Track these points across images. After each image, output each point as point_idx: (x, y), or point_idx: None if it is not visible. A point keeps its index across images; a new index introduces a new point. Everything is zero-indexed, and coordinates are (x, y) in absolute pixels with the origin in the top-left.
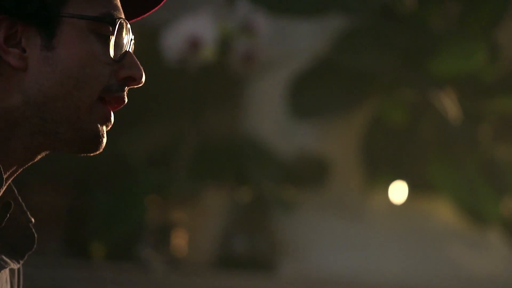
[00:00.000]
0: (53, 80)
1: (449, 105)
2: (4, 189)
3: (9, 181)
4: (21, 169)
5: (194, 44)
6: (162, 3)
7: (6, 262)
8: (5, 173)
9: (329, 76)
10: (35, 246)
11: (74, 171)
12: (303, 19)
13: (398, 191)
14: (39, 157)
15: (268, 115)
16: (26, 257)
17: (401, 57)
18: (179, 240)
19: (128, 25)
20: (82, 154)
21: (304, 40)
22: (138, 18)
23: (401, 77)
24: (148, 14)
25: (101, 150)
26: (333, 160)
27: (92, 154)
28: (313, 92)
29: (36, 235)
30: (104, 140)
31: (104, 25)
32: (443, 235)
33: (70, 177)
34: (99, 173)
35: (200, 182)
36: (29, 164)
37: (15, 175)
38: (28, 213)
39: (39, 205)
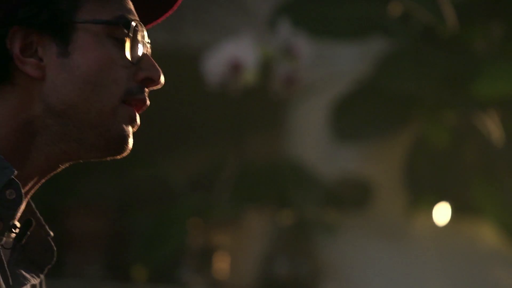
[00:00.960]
0: (71, 86)
1: (492, 127)
2: (24, 204)
3: (30, 194)
4: (44, 180)
5: (235, 68)
6: (175, 7)
7: (25, 278)
8: (26, 185)
9: (371, 99)
10: (54, 259)
11: (115, 195)
12: (344, 42)
13: (442, 213)
14: (61, 167)
15: (310, 138)
16: (46, 270)
17: (443, 80)
18: (221, 263)
19: (144, 29)
20: (108, 158)
21: (346, 63)
22: (153, 24)
23: (443, 100)
24: (161, 20)
25: (127, 151)
26: (376, 183)
27: (118, 157)
28: (356, 115)
29: (55, 249)
30: (131, 140)
31: (119, 28)
32: (487, 257)
33: (111, 201)
34: (140, 197)
35: (242, 205)
36: (51, 174)
37: (37, 186)
38: (47, 226)
39: (80, 229)
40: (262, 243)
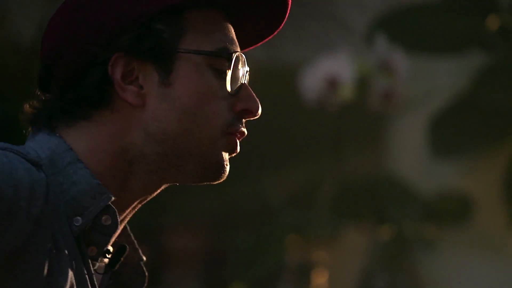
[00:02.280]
0: (172, 116)
1: None
2: (119, 230)
3: (127, 219)
4: (141, 205)
5: (332, 84)
6: (277, 31)
7: None
8: (123, 211)
9: (469, 114)
10: (146, 284)
11: (214, 212)
12: (442, 56)
13: None
14: (158, 191)
15: (408, 153)
16: None
17: None
18: (320, 280)
19: (244, 58)
20: (205, 183)
21: (443, 78)
22: (253, 47)
23: None
24: (262, 42)
25: (224, 178)
26: (475, 198)
27: (215, 183)
28: (454, 130)
29: (147, 274)
30: (228, 168)
31: (220, 59)
32: None
33: (210, 218)
34: (239, 214)
35: (340, 221)
36: (148, 199)
37: (134, 211)
38: (140, 251)
39: (179, 247)
40: (361, 259)
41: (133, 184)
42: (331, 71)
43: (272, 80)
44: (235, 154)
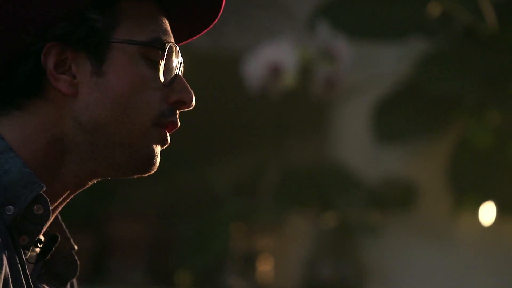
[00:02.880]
0: (103, 106)
1: None
2: (51, 220)
3: (58, 210)
4: (72, 196)
5: (275, 71)
6: (211, 26)
7: None
8: (54, 201)
9: (413, 100)
10: (77, 273)
11: (158, 200)
12: (384, 43)
13: (487, 213)
14: (89, 184)
15: (352, 140)
16: (68, 285)
17: (486, 79)
18: (265, 267)
19: (178, 49)
20: (134, 176)
21: (386, 65)
22: (188, 41)
23: (486, 99)
24: (196, 37)
25: (154, 170)
26: (419, 184)
27: (145, 175)
28: (398, 116)
29: (78, 262)
30: (158, 160)
31: (153, 50)
32: None
33: (154, 206)
34: (183, 202)
35: (285, 208)
36: (79, 191)
37: (65, 202)
38: (71, 239)
39: (123, 235)
40: (306, 246)
41: (65, 174)
42: (274, 58)
43: (215, 67)
44: (165, 146)
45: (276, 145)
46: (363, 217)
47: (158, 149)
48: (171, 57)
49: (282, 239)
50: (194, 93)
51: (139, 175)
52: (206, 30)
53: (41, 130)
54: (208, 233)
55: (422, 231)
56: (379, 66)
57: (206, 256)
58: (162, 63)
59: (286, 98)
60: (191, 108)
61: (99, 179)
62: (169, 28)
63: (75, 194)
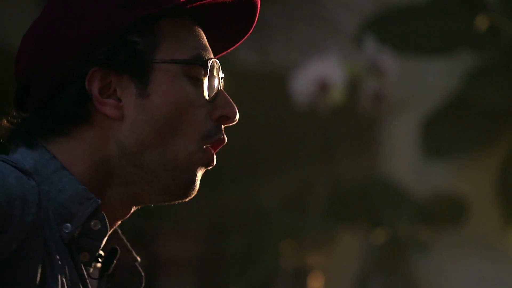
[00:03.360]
0: (149, 128)
1: None
2: (108, 235)
3: (115, 226)
4: (117, 223)
5: (323, 86)
6: (246, 36)
7: None
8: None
9: (461, 114)
10: (143, 284)
11: (207, 216)
12: (431, 57)
13: None
14: (131, 211)
15: (401, 155)
16: None
17: None
18: (315, 284)
19: (219, 64)
20: (174, 202)
21: (434, 79)
22: (225, 52)
23: None
24: (235, 46)
25: (193, 195)
26: (469, 199)
27: (183, 200)
28: (446, 131)
29: (143, 274)
30: (198, 185)
31: (195, 67)
32: None
33: (203, 223)
34: (233, 218)
35: (335, 224)
36: (123, 219)
37: (113, 228)
38: (133, 252)
39: (172, 252)
40: (356, 262)
41: (110, 197)
42: (321, 74)
43: (263, 83)
44: (211, 167)
45: (325, 161)
46: (413, 232)
47: (200, 173)
48: (213, 73)
49: (332, 256)
50: (242, 110)
51: (177, 201)
52: (242, 41)
53: (88, 154)
54: (258, 250)
55: (472, 246)
56: (427, 81)
57: (256, 273)
58: (206, 79)
59: (334, 113)
60: (234, 123)
61: (140, 206)
62: (207, 44)
63: (118, 223)
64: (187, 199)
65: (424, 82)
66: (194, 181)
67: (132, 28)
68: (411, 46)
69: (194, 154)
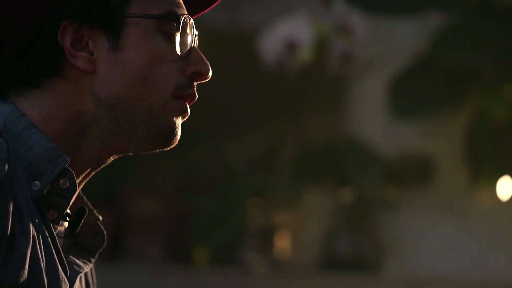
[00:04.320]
0: (122, 81)
1: None
2: (76, 194)
3: (81, 186)
4: (94, 172)
5: (291, 46)
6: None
7: (79, 266)
8: (78, 177)
9: (429, 74)
10: (105, 243)
11: (175, 176)
12: (400, 17)
13: (504, 188)
14: (110, 160)
15: (368, 115)
16: (97, 255)
17: (502, 53)
18: (282, 243)
19: (192, 21)
20: (156, 150)
21: (402, 39)
22: (200, 14)
23: (502, 73)
24: (208, 9)
25: (176, 143)
26: (436, 158)
27: (167, 149)
28: (414, 91)
29: (105, 232)
30: (179, 132)
31: (168, 23)
32: None
33: (171, 182)
34: (200, 178)
35: (302, 184)
36: (101, 167)
37: (87, 178)
38: (95, 211)
39: (140, 211)
40: (323, 222)
41: (86, 150)
42: (289, 33)
43: (231, 43)
44: (186, 118)
45: (292, 121)
46: (380, 192)
47: (179, 121)
48: (186, 30)
49: (300, 215)
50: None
51: (160, 149)
52: (215, 4)
53: (61, 107)
54: (225, 209)
55: (439, 206)
56: (395, 41)
57: (223, 232)
58: (178, 35)
59: (302, 73)
60: (207, 79)
61: (120, 155)
62: (182, 1)
63: (96, 171)
64: (170, 147)
65: (392, 42)
66: (174, 129)
67: None
68: (380, 6)
69: (168, 104)
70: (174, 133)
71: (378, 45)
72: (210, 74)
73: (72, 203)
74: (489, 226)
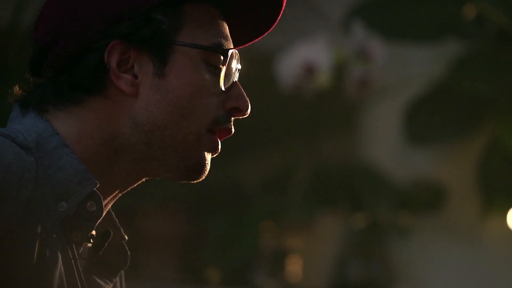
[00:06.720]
0: (163, 108)
1: None
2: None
3: (109, 206)
4: (121, 194)
5: (309, 70)
6: (270, 29)
7: (100, 286)
8: (106, 198)
9: (445, 102)
10: (128, 263)
11: (188, 197)
12: (418, 44)
13: None
14: (139, 182)
15: (383, 141)
16: (118, 275)
17: None
18: (294, 266)
19: (238, 55)
20: (183, 181)
21: (420, 66)
22: (245, 45)
23: None
24: (256, 40)
25: (203, 178)
26: (449, 186)
27: (193, 182)
28: (429, 118)
29: (129, 253)
30: (208, 168)
31: (215, 55)
32: None
33: (185, 203)
34: (213, 200)
35: (315, 208)
36: (129, 189)
37: (116, 199)
38: (122, 229)
39: (153, 232)
40: (335, 246)
41: (116, 173)
42: (307, 57)
43: (248, 66)
44: (216, 154)
45: (307, 144)
46: (393, 218)
47: (209, 157)
48: (231, 63)
49: (312, 239)
50: None
51: (187, 181)
52: (263, 35)
53: (98, 127)
54: (238, 231)
55: (451, 233)
56: (412, 67)
57: (235, 254)
58: (224, 69)
59: (319, 97)
60: (245, 116)
61: (149, 178)
62: (229, 34)
63: (125, 192)
64: (197, 181)
65: (410, 69)
66: (204, 164)
67: (158, 6)
68: (398, 32)
69: (202, 137)
70: (203, 169)
71: (395, 71)
72: (249, 111)
73: (101, 224)
74: (500, 254)
